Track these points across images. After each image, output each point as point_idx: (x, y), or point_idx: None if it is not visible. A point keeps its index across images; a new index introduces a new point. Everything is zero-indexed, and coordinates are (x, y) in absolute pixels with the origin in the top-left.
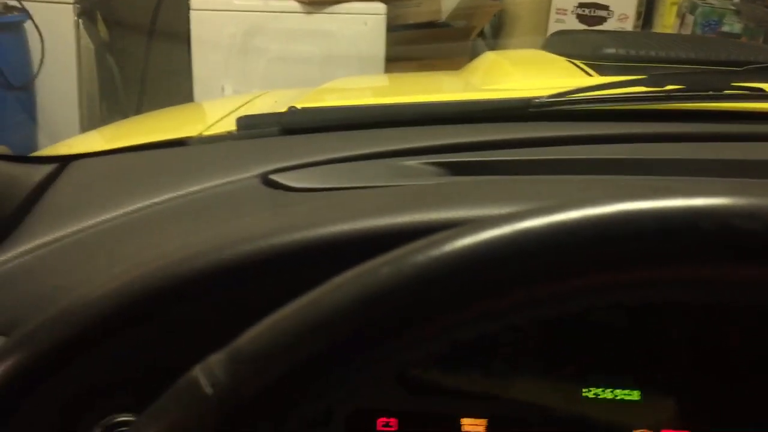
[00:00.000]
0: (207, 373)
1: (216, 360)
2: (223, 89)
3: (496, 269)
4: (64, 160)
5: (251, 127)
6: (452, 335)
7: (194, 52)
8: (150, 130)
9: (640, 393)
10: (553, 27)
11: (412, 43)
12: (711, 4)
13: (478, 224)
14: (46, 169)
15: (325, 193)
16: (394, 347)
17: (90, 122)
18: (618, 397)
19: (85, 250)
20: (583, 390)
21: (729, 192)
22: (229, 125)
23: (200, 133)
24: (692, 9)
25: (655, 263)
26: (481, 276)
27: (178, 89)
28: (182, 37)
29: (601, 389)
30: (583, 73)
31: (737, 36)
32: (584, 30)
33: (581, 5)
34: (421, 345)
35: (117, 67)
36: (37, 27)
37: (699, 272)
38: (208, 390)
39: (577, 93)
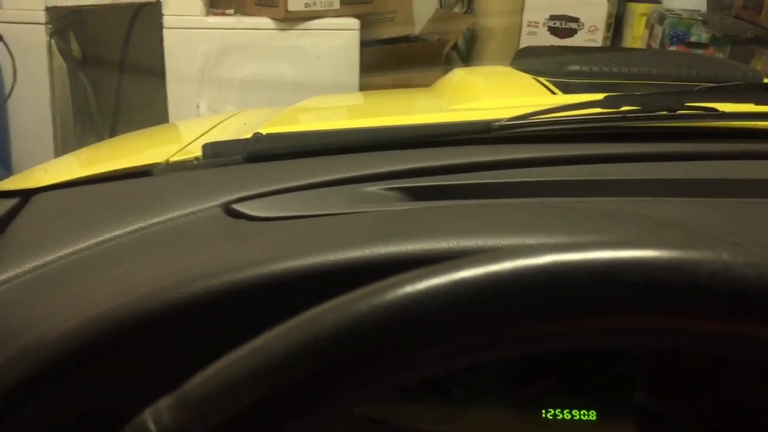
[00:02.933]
0: (155, 417)
1: (165, 404)
2: (198, 106)
3: (430, 320)
4: (26, 194)
5: (217, 154)
6: (396, 379)
7: (168, 71)
8: (119, 155)
9: (596, 413)
10: (526, 39)
11: (386, 57)
12: (679, 15)
13: (418, 273)
14: (7, 203)
15: (286, 221)
16: (337, 392)
17: (64, 142)
18: (576, 418)
19: (47, 285)
20: (543, 411)
21: (653, 245)
22: (198, 150)
23: (167, 160)
24: (661, 20)
25: (577, 314)
26: (418, 326)
27: (153, 108)
28: (156, 57)
29: (559, 410)
30: (547, 92)
31: (705, 46)
32: (550, 46)
33: (552, 17)
34: (365, 388)
35: (91, 87)
36: (8, 48)
37: (624, 322)
38: None
39: (536, 116)
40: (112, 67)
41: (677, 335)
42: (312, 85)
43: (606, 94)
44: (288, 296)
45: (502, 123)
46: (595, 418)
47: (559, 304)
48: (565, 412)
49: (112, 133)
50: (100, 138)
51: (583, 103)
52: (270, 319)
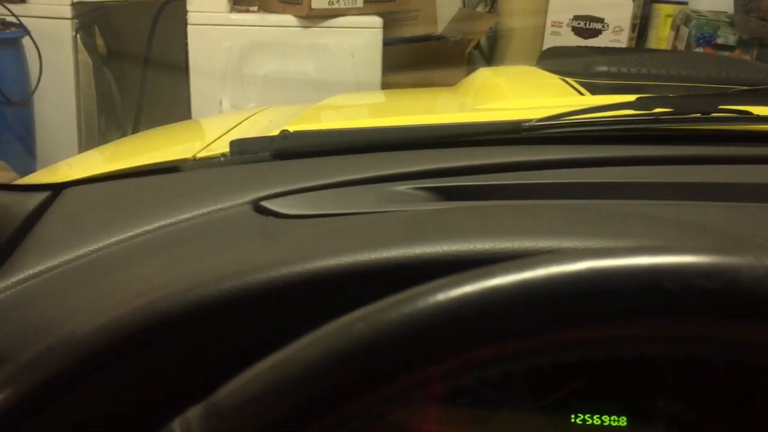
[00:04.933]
0: (184, 427)
1: (194, 414)
2: (220, 103)
3: (468, 326)
4: (57, 188)
5: (244, 151)
6: (426, 388)
7: (192, 67)
8: (144, 151)
9: (626, 419)
10: (549, 39)
11: (409, 55)
12: (705, 16)
13: (450, 280)
14: (39, 197)
15: (315, 219)
16: (368, 402)
17: (88, 137)
18: (605, 423)
19: (77, 279)
20: (572, 416)
21: (691, 251)
22: (224, 146)
23: (194, 155)
24: (687, 21)
25: (612, 320)
26: (452, 333)
27: (176, 103)
28: (180, 52)
29: (588, 415)
30: (575, 92)
31: (731, 48)
32: (577, 47)
33: (576, 18)
34: (396, 397)
35: (115, 82)
36: (35, 43)
37: (657, 331)
38: None
39: (567, 116)
40: (136, 62)
41: (717, 342)
42: (334, 82)
43: (637, 96)
44: (321, 295)
45: (533, 123)
46: (625, 424)
47: (589, 311)
48: (595, 417)
49: (135, 127)
50: (123, 132)
51: (614, 104)
52: (302, 318)
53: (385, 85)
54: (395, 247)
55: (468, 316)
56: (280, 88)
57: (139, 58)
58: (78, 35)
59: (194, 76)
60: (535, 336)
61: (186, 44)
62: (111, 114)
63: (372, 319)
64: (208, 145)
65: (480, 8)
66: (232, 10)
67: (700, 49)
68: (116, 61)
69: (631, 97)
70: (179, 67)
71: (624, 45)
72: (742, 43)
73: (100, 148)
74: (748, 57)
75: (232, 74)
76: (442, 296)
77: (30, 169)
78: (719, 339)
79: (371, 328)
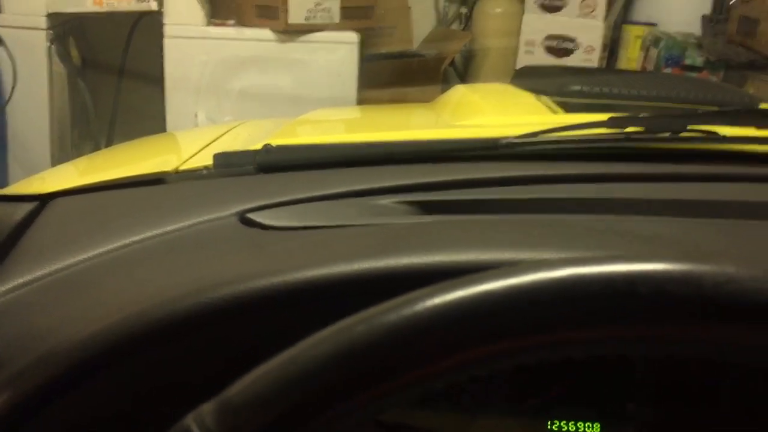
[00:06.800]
0: (198, 422)
1: (207, 409)
2: (196, 116)
3: (462, 328)
4: (44, 199)
5: (228, 165)
6: (424, 386)
7: (167, 80)
8: (127, 163)
9: (600, 426)
10: (523, 58)
11: (385, 71)
12: (674, 38)
13: (445, 285)
14: (26, 207)
15: (301, 232)
16: (372, 398)
17: (61, 147)
18: (580, 430)
19: (67, 289)
20: (548, 422)
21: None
22: (205, 159)
23: (176, 168)
24: (656, 43)
25: (592, 324)
26: (449, 334)
27: (150, 116)
28: (156, 65)
29: (564, 422)
30: (548, 110)
31: (699, 69)
32: (550, 66)
33: (549, 37)
34: (397, 395)
35: (89, 93)
36: (9, 53)
37: (634, 332)
38: None
39: (543, 134)
40: (111, 74)
41: (686, 342)
42: (310, 98)
43: (610, 115)
44: (312, 304)
45: (510, 140)
46: (599, 430)
47: (572, 314)
48: (570, 423)
49: (109, 140)
50: (96, 144)
51: (588, 123)
52: (294, 326)
53: (361, 101)
54: (380, 259)
55: (463, 318)
56: (256, 102)
57: (113, 70)
58: (52, 46)
59: (170, 89)
60: (521, 337)
61: (162, 57)
62: (84, 125)
63: (373, 321)
64: (189, 158)
65: (455, 26)
66: (209, 23)
67: (668, 70)
68: (91, 72)
69: (604, 116)
70: (154, 80)
71: (595, 64)
72: (709, 65)
73: (81, 158)
74: (714, 78)
75: (208, 88)
76: (438, 300)
77: (1, 180)
78: (689, 339)
79: (373, 329)
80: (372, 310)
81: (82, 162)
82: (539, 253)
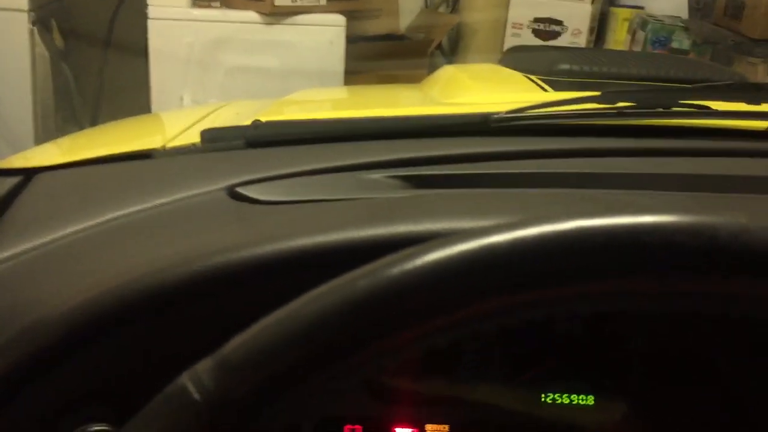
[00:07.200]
0: (195, 380)
1: (203, 368)
2: (181, 99)
3: (465, 281)
4: (29, 173)
5: (216, 140)
6: (424, 342)
7: (152, 62)
8: (113, 141)
9: (594, 398)
10: (510, 41)
11: (371, 54)
12: (661, 21)
13: (446, 240)
14: (11, 181)
15: (291, 205)
16: (368, 355)
17: (45, 131)
18: (574, 402)
19: (55, 262)
20: (542, 395)
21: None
22: (193, 137)
23: (164, 145)
24: (643, 25)
25: (601, 277)
26: (451, 287)
27: (135, 99)
28: (140, 47)
29: (558, 394)
30: (539, 89)
31: (686, 52)
32: (540, 46)
33: (536, 20)
34: (394, 352)
35: (72, 77)
36: None
37: (642, 284)
38: (197, 396)
39: (534, 109)
40: (94, 57)
41: (698, 297)
42: (296, 79)
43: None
44: (303, 272)
45: (501, 116)
46: (592, 402)
47: (580, 266)
48: (564, 396)
49: (93, 123)
50: (80, 128)
51: (580, 98)
52: (286, 294)
53: (348, 83)
54: (372, 227)
55: (468, 271)
56: (241, 84)
57: (97, 53)
58: (35, 28)
59: (154, 72)
60: (526, 291)
61: (146, 39)
62: (68, 108)
63: (373, 276)
64: (177, 136)
65: (442, 8)
66: (194, 5)
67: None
68: (74, 55)
69: (595, 93)
70: (138, 63)
71: (583, 47)
72: (696, 47)
73: (71, 135)
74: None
75: (194, 70)
76: (441, 254)
77: None
78: (701, 293)
79: (375, 283)
80: (372, 265)
81: (66, 141)
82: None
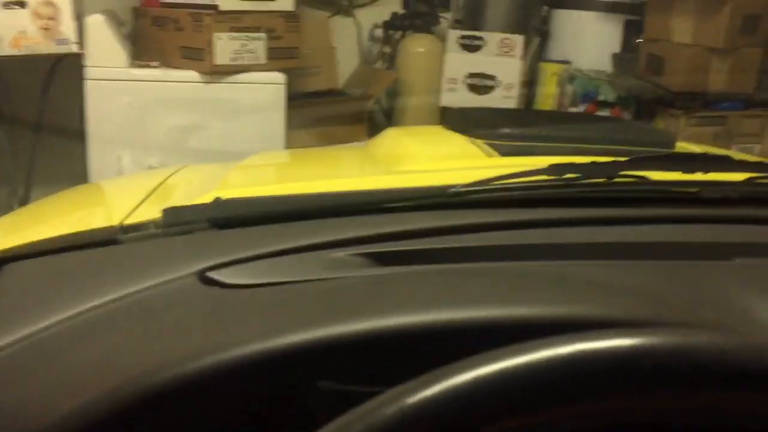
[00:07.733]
0: None
1: None
2: (119, 159)
3: (476, 406)
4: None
5: (179, 221)
6: None
7: (90, 123)
8: (66, 217)
9: None
10: (446, 96)
11: (312, 111)
12: (587, 75)
13: (451, 368)
14: None
15: (261, 289)
16: None
17: None
18: None
19: (31, 359)
20: None
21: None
22: (150, 212)
23: (121, 222)
24: (571, 80)
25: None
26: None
27: (71, 159)
28: (76, 111)
29: None
30: (483, 154)
31: (612, 105)
32: (479, 108)
33: (471, 75)
34: None
35: (7, 138)
36: None
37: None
38: None
39: (489, 182)
40: (29, 122)
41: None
42: (239, 138)
43: (549, 162)
44: (292, 368)
45: (458, 189)
46: None
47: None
48: None
49: (27, 188)
50: (14, 191)
51: (530, 171)
52: (280, 391)
53: (290, 140)
54: (342, 323)
55: (476, 399)
56: (182, 143)
57: (32, 118)
58: None
59: (92, 133)
60: (528, 413)
61: (82, 101)
62: (1, 169)
63: (401, 404)
64: (133, 210)
65: (378, 65)
66: (132, 65)
67: (584, 106)
68: (8, 121)
69: (544, 162)
70: (75, 126)
71: (515, 101)
72: (621, 100)
73: (17, 212)
74: (627, 113)
75: (133, 130)
76: (455, 381)
77: None
78: (688, 407)
79: (401, 411)
80: (398, 389)
81: (20, 218)
82: (511, 310)
